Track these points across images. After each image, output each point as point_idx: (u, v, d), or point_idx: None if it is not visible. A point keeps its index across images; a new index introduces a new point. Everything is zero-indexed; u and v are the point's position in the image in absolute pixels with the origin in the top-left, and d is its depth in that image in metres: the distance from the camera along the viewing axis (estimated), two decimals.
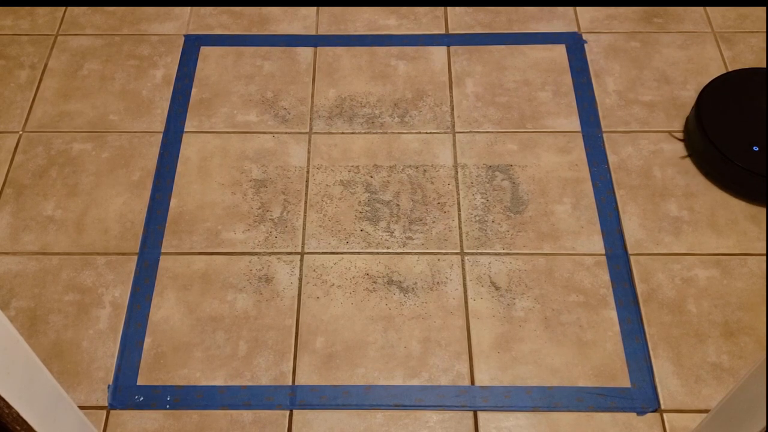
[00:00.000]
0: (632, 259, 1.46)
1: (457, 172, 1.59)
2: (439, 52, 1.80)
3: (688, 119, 1.63)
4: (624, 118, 1.67)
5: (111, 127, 1.67)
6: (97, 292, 1.43)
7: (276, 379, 1.33)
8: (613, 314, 1.39)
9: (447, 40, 1.83)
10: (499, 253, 1.48)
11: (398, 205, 1.54)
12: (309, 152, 1.63)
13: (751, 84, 1.62)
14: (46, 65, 1.79)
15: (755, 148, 1.51)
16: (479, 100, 1.71)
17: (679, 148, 1.59)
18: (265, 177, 1.59)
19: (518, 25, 1.85)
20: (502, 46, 1.81)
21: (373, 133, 1.66)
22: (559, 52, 1.80)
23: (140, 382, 1.33)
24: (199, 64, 1.78)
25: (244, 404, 1.30)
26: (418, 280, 1.44)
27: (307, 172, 1.60)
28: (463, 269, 1.46)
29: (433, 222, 1.52)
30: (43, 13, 1.89)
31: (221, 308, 1.41)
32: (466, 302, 1.42)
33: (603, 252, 1.47)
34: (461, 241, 1.49)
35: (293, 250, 1.49)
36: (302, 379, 1.33)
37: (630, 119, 1.67)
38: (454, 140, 1.64)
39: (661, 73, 1.75)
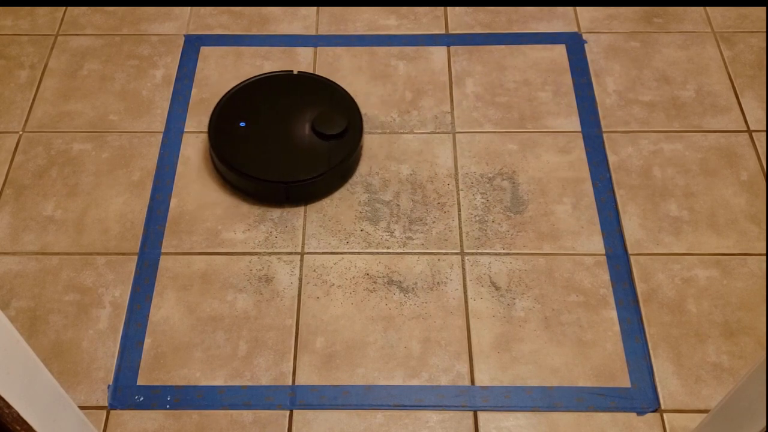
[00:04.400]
0: (632, 259, 1.46)
1: (457, 171, 1.59)
2: (439, 52, 1.80)
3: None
4: (624, 118, 1.67)
5: (111, 127, 1.67)
6: (97, 292, 1.43)
7: (276, 379, 1.33)
8: (613, 314, 1.39)
9: (447, 40, 1.83)
10: (499, 253, 1.48)
11: (398, 205, 1.54)
12: None
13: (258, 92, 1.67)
14: (46, 65, 1.79)
15: (242, 124, 1.59)
16: (479, 100, 1.71)
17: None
18: None
19: (518, 25, 1.85)
20: (502, 46, 1.81)
21: (373, 134, 1.66)
22: (559, 52, 1.80)
23: (140, 382, 1.33)
24: (199, 64, 1.78)
25: (244, 404, 1.30)
26: (418, 280, 1.44)
27: None
28: (463, 269, 1.46)
29: (433, 222, 1.52)
30: (43, 13, 1.89)
31: (221, 308, 1.41)
32: (466, 302, 1.42)
33: (603, 252, 1.47)
34: (461, 241, 1.49)
35: (293, 250, 1.49)
36: (302, 379, 1.33)
37: (630, 119, 1.67)
38: (454, 140, 1.64)
39: (661, 73, 1.75)
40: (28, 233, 1.51)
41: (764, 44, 1.80)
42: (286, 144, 1.57)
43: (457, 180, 1.58)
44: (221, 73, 1.76)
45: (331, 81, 1.69)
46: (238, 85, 1.67)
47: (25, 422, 0.85)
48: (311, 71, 1.76)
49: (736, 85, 1.72)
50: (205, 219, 1.53)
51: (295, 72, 1.70)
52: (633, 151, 1.62)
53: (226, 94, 1.65)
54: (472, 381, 1.33)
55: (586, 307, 1.40)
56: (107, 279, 1.45)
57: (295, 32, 1.85)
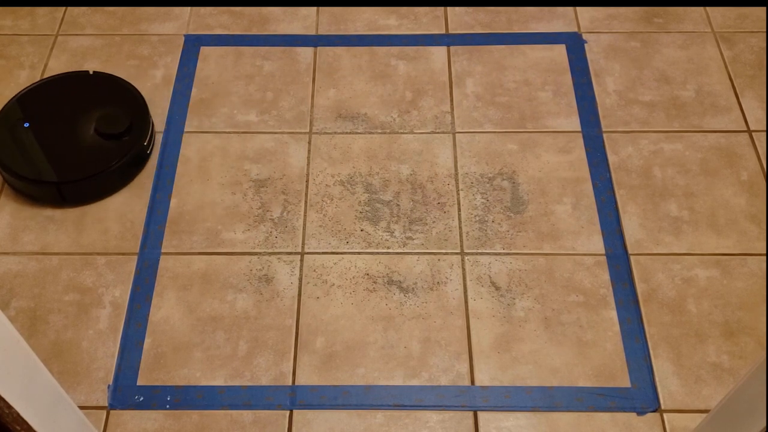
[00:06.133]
0: (632, 259, 1.46)
1: (457, 171, 1.59)
2: (439, 52, 1.80)
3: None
4: (624, 118, 1.67)
5: None
6: (97, 292, 1.43)
7: (276, 379, 1.33)
8: (613, 314, 1.39)
9: (447, 40, 1.83)
10: (499, 253, 1.48)
11: (398, 205, 1.55)
12: (309, 152, 1.63)
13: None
14: (46, 65, 1.79)
15: (26, 124, 1.58)
16: (479, 100, 1.71)
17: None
18: (265, 177, 1.59)
19: (518, 25, 1.85)
20: (502, 46, 1.81)
21: (373, 133, 1.66)
22: (559, 52, 1.80)
23: (140, 382, 1.33)
24: (199, 64, 1.78)
25: (244, 404, 1.30)
26: (418, 280, 1.44)
27: (307, 172, 1.60)
28: (463, 269, 1.46)
29: (433, 222, 1.52)
30: (43, 13, 1.89)
31: (221, 308, 1.41)
32: (466, 302, 1.42)
33: (603, 252, 1.47)
34: (461, 241, 1.49)
35: (293, 250, 1.49)
36: (302, 379, 1.33)
37: (630, 119, 1.67)
38: (454, 140, 1.64)
39: (661, 73, 1.75)
40: (28, 233, 1.51)
41: (764, 44, 1.80)
42: (67, 144, 1.57)
43: (457, 180, 1.58)
44: (221, 73, 1.76)
45: (127, 82, 1.68)
46: (31, 84, 1.67)
47: (25, 422, 0.85)
48: (311, 71, 1.76)
49: (736, 85, 1.72)
50: (205, 219, 1.53)
51: (91, 72, 1.69)
52: (633, 151, 1.62)
53: (17, 93, 1.64)
54: (472, 381, 1.33)
55: (586, 307, 1.40)
56: (107, 279, 1.45)
57: (295, 32, 1.85)
